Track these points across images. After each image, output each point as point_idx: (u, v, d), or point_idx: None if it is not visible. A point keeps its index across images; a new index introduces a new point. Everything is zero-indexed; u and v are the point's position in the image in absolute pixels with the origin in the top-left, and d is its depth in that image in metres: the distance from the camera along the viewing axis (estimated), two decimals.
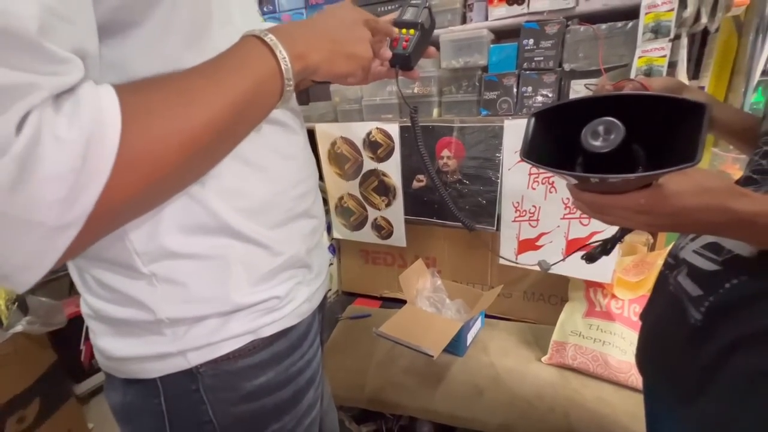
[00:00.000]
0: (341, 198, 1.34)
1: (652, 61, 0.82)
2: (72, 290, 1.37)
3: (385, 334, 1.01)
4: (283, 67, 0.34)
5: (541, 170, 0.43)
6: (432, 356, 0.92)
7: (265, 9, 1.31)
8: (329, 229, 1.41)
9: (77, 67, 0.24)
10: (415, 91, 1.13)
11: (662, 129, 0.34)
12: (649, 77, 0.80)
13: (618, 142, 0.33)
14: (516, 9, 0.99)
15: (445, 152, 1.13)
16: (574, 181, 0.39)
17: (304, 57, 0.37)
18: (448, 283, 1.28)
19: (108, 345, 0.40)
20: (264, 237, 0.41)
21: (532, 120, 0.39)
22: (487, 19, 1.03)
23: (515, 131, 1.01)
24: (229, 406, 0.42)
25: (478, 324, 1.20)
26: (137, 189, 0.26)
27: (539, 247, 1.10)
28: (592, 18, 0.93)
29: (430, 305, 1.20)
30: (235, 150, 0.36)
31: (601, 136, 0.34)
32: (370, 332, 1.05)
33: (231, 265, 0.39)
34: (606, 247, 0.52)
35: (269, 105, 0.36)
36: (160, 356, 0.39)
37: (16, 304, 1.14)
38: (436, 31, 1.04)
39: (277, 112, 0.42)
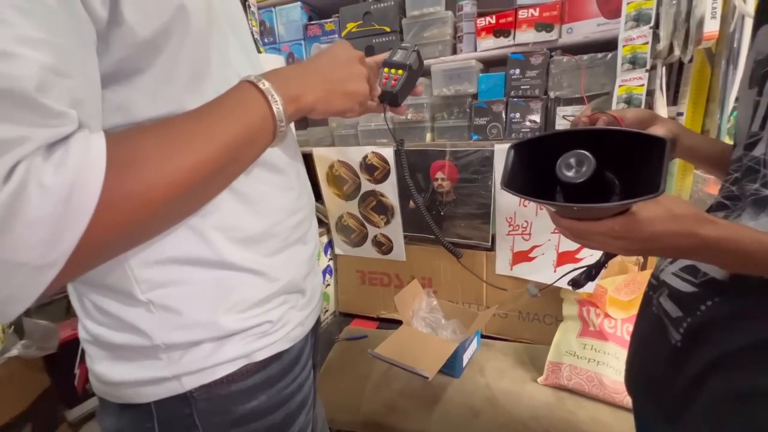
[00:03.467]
0: (341, 217, 1.36)
1: (632, 89, 0.87)
2: (69, 312, 1.36)
3: (381, 356, 1.02)
4: (275, 111, 0.36)
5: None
6: (427, 378, 0.92)
7: (266, 40, 1.37)
8: (330, 246, 1.43)
9: (71, 119, 0.25)
10: (409, 117, 1.17)
11: (633, 159, 0.37)
12: (628, 106, 0.84)
13: (589, 174, 0.36)
14: (503, 41, 1.05)
15: (440, 174, 1.17)
16: (552, 209, 0.42)
17: (299, 99, 0.39)
18: (444, 303, 1.29)
19: (105, 370, 0.41)
20: (260, 265, 0.43)
21: (511, 152, 0.42)
22: (476, 50, 1.09)
23: (505, 155, 1.04)
24: (220, 430, 0.43)
25: (474, 344, 1.20)
26: (120, 229, 0.28)
27: (532, 258, 1.12)
28: (574, 49, 0.98)
29: (426, 325, 1.21)
30: (233, 184, 0.38)
31: (574, 167, 0.36)
32: (366, 353, 1.05)
33: (227, 292, 0.41)
34: (591, 272, 0.54)
35: (262, 146, 0.38)
36: (156, 380, 0.40)
37: (12, 327, 1.14)
38: (428, 61, 1.09)
39: (275, 150, 0.44)
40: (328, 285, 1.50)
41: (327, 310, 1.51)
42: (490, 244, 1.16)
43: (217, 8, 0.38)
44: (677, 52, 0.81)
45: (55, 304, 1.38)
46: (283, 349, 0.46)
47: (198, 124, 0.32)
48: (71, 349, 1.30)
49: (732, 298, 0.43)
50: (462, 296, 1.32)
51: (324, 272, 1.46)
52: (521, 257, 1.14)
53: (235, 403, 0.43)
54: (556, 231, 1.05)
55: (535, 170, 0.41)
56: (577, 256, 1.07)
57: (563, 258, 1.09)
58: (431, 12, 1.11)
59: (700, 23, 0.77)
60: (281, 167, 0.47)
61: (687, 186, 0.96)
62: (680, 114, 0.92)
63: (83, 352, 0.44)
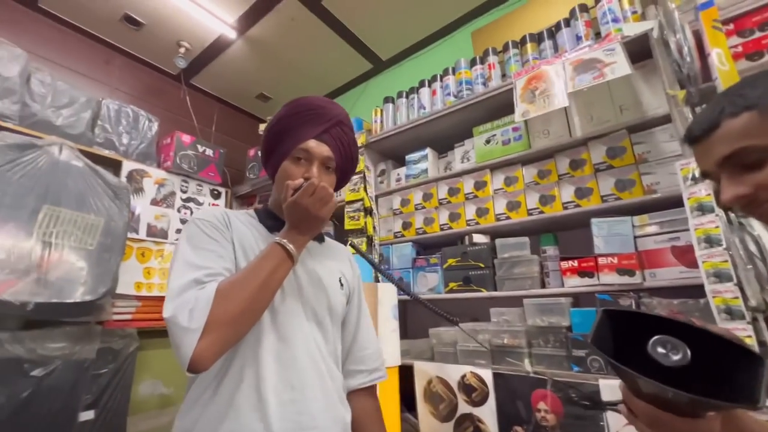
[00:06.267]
0: None
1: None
2: None
3: None
4: (289, 249, 0.68)
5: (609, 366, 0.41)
6: None
7: (382, 267, 1.76)
8: None
9: (215, 281, 0.63)
10: (505, 341, 1.27)
11: (718, 368, 0.37)
12: None
13: (683, 362, 0.36)
14: (587, 281, 1.20)
15: (542, 405, 1.14)
16: (638, 386, 0.40)
17: (297, 240, 0.70)
18: None
19: None
20: None
21: (602, 314, 0.44)
22: (563, 285, 1.25)
23: (611, 390, 1.02)
24: None
25: None
26: (225, 320, 0.59)
27: None
28: (658, 292, 1.07)
29: None
30: None
31: (668, 352, 0.37)
32: None
33: None
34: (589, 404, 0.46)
35: (286, 271, 0.68)
36: None
37: None
38: (520, 292, 1.27)
39: None
40: None
41: None
42: None
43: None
44: None
45: None
46: None
47: (247, 271, 0.65)
48: None
49: None
50: None
51: None
52: None
53: None
54: None
55: (614, 341, 0.41)
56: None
57: None
58: (518, 255, 1.36)
59: None
60: None
61: None
62: None
63: None
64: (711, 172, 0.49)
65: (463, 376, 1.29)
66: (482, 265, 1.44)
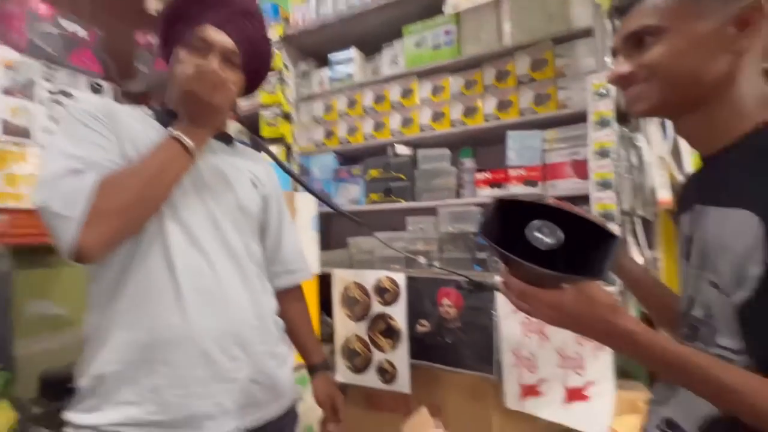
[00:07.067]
0: (348, 339, 1.42)
1: None
2: None
3: None
4: (185, 143, 0.61)
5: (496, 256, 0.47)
6: None
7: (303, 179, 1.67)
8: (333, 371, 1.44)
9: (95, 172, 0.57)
10: (419, 247, 1.34)
11: (585, 248, 0.43)
12: None
13: (554, 244, 0.42)
14: (497, 191, 1.27)
15: (445, 301, 1.27)
16: (511, 266, 0.46)
17: (194, 133, 0.63)
18: None
19: None
20: None
21: (494, 205, 0.48)
22: (475, 196, 1.31)
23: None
24: None
25: None
26: (112, 209, 0.56)
27: (540, 393, 1.12)
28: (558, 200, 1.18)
29: None
30: None
31: (544, 235, 0.42)
32: None
33: None
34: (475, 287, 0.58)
35: (183, 166, 0.62)
36: None
37: None
38: (436, 202, 1.31)
39: None
40: None
41: None
42: (493, 374, 1.18)
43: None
44: (641, 212, 0.98)
45: None
46: None
47: (138, 164, 0.60)
48: None
49: None
50: (472, 427, 1.27)
51: None
52: (529, 391, 1.14)
53: None
54: (561, 366, 1.08)
55: (502, 230, 0.46)
56: (585, 393, 1.07)
57: (573, 394, 1.09)
58: (438, 167, 1.38)
59: (653, 192, 0.96)
60: None
61: None
62: (656, 258, 1.05)
63: None
64: (618, 49, 0.49)
65: (379, 280, 1.36)
66: (403, 177, 1.44)
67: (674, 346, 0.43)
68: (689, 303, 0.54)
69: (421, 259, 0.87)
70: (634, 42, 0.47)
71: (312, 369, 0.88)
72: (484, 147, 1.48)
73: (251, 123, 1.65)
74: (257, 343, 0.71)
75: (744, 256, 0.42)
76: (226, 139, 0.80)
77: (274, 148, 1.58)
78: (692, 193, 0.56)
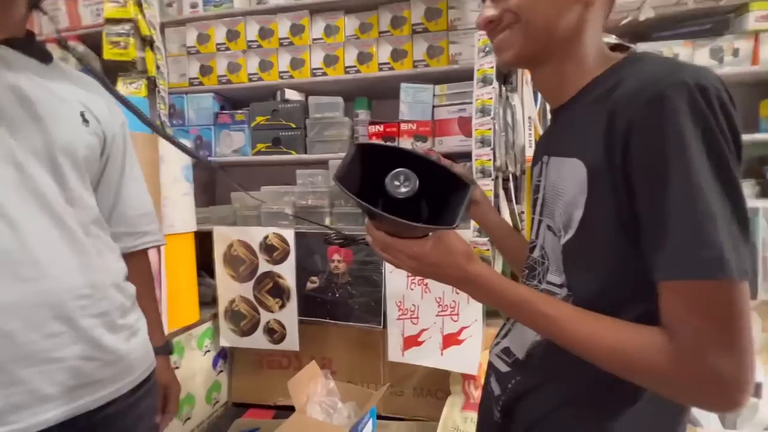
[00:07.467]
0: (232, 301, 1.32)
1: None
2: None
3: None
4: None
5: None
6: None
7: (174, 122, 1.41)
8: (217, 335, 1.35)
9: None
10: (310, 202, 1.27)
11: (446, 198, 0.44)
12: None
13: (410, 193, 0.41)
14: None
15: (336, 256, 1.25)
16: (370, 216, 0.45)
17: None
18: (341, 385, 1.27)
19: None
20: None
21: (354, 149, 0.45)
22: None
23: None
24: None
25: (369, 427, 1.19)
26: None
27: (421, 343, 1.20)
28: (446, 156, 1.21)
29: (322, 411, 1.17)
30: None
31: (400, 184, 0.41)
32: None
33: None
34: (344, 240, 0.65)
35: None
36: None
37: None
38: (327, 155, 1.24)
39: None
40: (221, 372, 1.39)
41: (217, 402, 1.37)
42: (381, 326, 1.22)
43: None
44: (511, 168, 1.06)
45: None
46: None
47: None
48: None
49: (529, 373, 0.53)
50: (361, 376, 1.33)
51: (217, 357, 1.36)
52: (411, 342, 1.21)
53: None
54: (439, 314, 1.17)
55: (367, 180, 0.44)
56: (459, 337, 1.18)
57: (448, 340, 1.19)
58: (331, 116, 1.29)
59: (523, 149, 1.04)
60: None
61: None
62: (522, 212, 1.16)
63: None
64: None
65: (266, 237, 1.27)
66: (294, 126, 1.32)
67: (513, 286, 0.46)
68: (532, 247, 0.59)
69: (288, 210, 0.82)
70: None
71: None
72: (378, 99, 1.42)
73: (98, 47, 1.31)
74: (89, 315, 0.58)
75: (572, 202, 0.46)
76: (41, 54, 0.59)
77: (136, 84, 1.29)
78: (541, 147, 0.59)
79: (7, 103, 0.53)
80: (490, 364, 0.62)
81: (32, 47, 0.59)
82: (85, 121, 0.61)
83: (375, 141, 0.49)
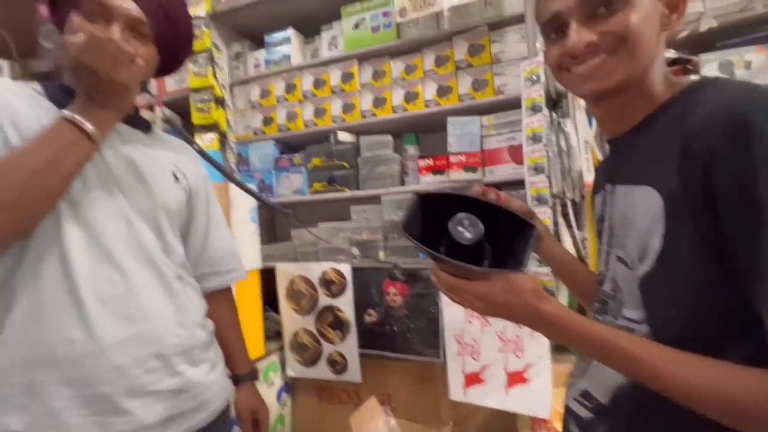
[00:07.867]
0: (296, 333, 1.38)
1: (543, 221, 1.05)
2: None
3: None
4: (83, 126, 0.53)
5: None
6: None
7: (240, 168, 1.56)
8: (283, 366, 1.40)
9: None
10: (365, 237, 1.31)
11: (507, 238, 0.44)
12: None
13: (476, 238, 0.42)
14: (440, 177, 1.27)
15: (392, 289, 1.26)
16: (437, 262, 0.46)
17: (96, 114, 0.54)
18: (402, 423, 1.25)
19: None
20: None
21: (415, 200, 0.47)
22: (419, 183, 1.31)
23: None
24: None
25: None
26: None
27: (483, 380, 1.15)
28: (497, 186, 1.20)
29: None
30: None
31: (465, 229, 0.42)
32: None
33: None
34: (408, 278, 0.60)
35: (82, 154, 0.54)
36: None
37: None
38: (379, 191, 1.29)
39: None
40: (285, 405, 1.42)
41: None
42: (441, 359, 1.19)
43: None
44: (569, 194, 1.03)
45: None
46: None
47: (21, 152, 0.51)
48: None
49: (617, 421, 0.49)
50: (420, 413, 1.29)
51: (280, 391, 1.40)
52: (473, 379, 1.16)
53: None
54: (502, 351, 1.12)
55: (429, 225, 0.45)
56: (525, 375, 1.11)
57: (513, 378, 1.12)
58: (381, 154, 1.35)
59: (580, 174, 1.00)
60: None
61: None
62: (585, 239, 1.10)
63: None
64: (562, 13, 0.45)
65: (324, 272, 1.32)
66: (347, 165, 1.39)
67: (589, 324, 0.44)
68: (601, 279, 0.56)
69: (354, 251, 0.84)
70: (595, 6, 0.44)
71: (236, 380, 0.82)
72: (426, 133, 1.47)
73: (180, 109, 1.52)
74: (180, 352, 0.65)
75: (646, 231, 0.44)
76: (143, 126, 0.71)
77: (209, 136, 1.46)
78: (603, 175, 0.57)
79: (122, 171, 0.63)
80: (568, 409, 0.58)
81: (139, 121, 0.71)
82: (176, 178, 0.71)
83: (433, 190, 0.52)
